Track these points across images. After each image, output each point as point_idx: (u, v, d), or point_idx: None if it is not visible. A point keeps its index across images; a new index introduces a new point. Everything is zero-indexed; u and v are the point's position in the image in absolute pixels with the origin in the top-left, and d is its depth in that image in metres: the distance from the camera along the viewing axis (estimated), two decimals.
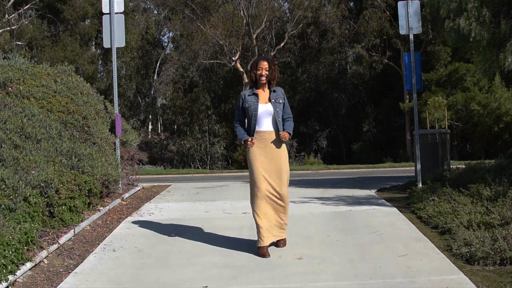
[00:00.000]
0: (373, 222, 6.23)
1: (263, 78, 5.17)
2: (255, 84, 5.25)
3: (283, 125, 5.22)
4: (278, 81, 5.44)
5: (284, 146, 5.23)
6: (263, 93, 5.23)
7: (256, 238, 5.14)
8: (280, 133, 5.14)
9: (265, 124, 5.17)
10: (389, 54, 27.89)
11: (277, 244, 5.32)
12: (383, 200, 7.77)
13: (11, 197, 5.00)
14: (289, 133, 5.20)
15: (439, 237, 5.56)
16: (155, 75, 36.92)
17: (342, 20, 28.46)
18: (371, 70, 30.44)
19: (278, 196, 5.11)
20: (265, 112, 5.17)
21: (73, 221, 5.90)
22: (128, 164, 9.58)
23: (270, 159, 5.13)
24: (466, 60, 24.62)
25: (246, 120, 5.30)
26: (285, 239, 5.37)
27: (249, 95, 5.22)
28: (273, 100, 5.20)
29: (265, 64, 5.17)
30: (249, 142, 5.14)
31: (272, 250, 5.22)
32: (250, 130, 5.18)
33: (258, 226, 5.06)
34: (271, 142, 5.16)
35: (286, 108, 5.30)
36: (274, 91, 5.25)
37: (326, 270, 4.59)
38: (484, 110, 23.53)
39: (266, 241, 5.06)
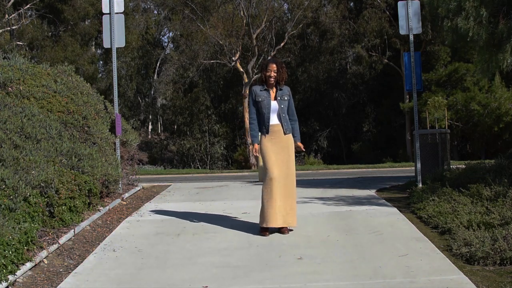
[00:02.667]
0: (373, 222, 6.23)
1: (272, 79, 5.75)
2: (265, 84, 5.82)
3: (291, 127, 5.85)
4: None
5: (290, 136, 5.80)
6: (272, 93, 5.81)
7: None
8: (297, 145, 5.84)
9: (273, 119, 5.76)
10: (389, 54, 27.89)
11: (282, 230, 5.75)
12: (383, 200, 7.77)
13: (11, 197, 5.00)
14: (300, 141, 5.93)
15: (439, 237, 5.56)
16: (155, 75, 36.92)
17: (342, 20, 28.45)
18: (371, 70, 30.43)
19: (288, 178, 5.68)
20: (273, 108, 5.76)
21: (73, 221, 5.90)
22: (128, 164, 9.57)
23: (280, 148, 5.73)
24: (466, 60, 24.62)
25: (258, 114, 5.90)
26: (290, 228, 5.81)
27: (260, 90, 5.81)
28: (278, 98, 5.79)
29: (273, 67, 5.75)
30: (255, 151, 5.82)
31: (272, 250, 5.23)
32: (264, 124, 5.76)
33: (267, 208, 5.63)
34: (279, 134, 5.75)
35: (291, 106, 5.88)
36: (281, 89, 5.84)
37: (326, 270, 4.59)
38: (484, 110, 23.53)
39: (270, 223, 5.64)
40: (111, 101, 9.38)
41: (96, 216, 6.56)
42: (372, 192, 8.66)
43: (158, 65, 36.95)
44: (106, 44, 8.84)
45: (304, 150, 5.93)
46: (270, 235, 5.72)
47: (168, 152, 33.04)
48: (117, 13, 8.72)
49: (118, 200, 7.81)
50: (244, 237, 5.70)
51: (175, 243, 5.59)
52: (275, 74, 5.72)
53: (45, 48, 27.71)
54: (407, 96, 26.21)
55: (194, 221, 6.51)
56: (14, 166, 5.59)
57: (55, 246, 5.21)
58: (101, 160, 7.31)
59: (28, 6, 27.45)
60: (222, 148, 31.06)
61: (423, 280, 4.26)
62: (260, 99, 5.75)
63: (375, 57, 28.31)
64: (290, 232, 5.82)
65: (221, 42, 25.93)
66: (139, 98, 37.20)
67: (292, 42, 30.03)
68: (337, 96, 30.97)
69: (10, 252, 4.35)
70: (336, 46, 29.97)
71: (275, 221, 5.64)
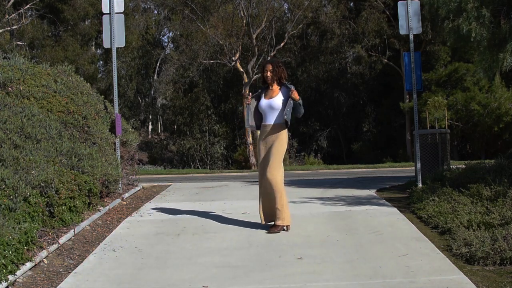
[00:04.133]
0: (373, 222, 6.23)
1: (269, 78, 5.98)
2: (266, 83, 6.07)
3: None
4: None
5: (279, 135, 5.87)
6: (270, 90, 6.00)
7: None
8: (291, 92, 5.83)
9: (268, 118, 5.93)
10: (389, 54, 27.90)
11: (273, 229, 5.83)
12: (383, 200, 7.77)
13: (11, 197, 5.00)
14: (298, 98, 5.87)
15: (439, 237, 5.56)
16: (155, 75, 36.93)
17: (341, 20, 28.45)
18: (371, 70, 30.45)
19: (263, 179, 5.83)
20: (267, 107, 5.92)
21: (73, 221, 5.90)
22: (128, 164, 9.56)
23: (267, 148, 5.89)
24: (466, 60, 24.62)
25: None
26: (281, 226, 5.81)
27: (258, 93, 6.12)
28: (274, 96, 5.92)
29: (269, 67, 5.98)
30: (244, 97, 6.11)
31: (272, 250, 5.23)
32: (260, 122, 6.05)
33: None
34: (269, 134, 5.91)
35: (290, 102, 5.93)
36: (287, 86, 5.95)
37: (326, 270, 4.59)
38: (484, 110, 23.52)
39: (262, 219, 6.02)
40: (111, 101, 9.38)
41: (96, 216, 6.56)
42: (372, 192, 8.66)
43: (158, 65, 36.94)
44: (106, 44, 8.84)
45: (298, 98, 5.81)
46: (270, 234, 5.73)
47: (168, 152, 33.03)
48: (117, 13, 8.72)
49: (118, 200, 7.82)
50: (244, 237, 5.70)
51: (175, 243, 5.59)
52: (271, 74, 5.93)
53: (45, 48, 27.71)
54: (407, 96, 26.21)
55: (194, 221, 6.51)
56: (14, 166, 5.59)
57: (55, 246, 5.21)
58: (101, 160, 7.31)
59: (28, 6, 27.44)
60: (222, 148, 31.05)
61: (423, 280, 4.27)
62: (256, 99, 6.06)
63: (375, 57, 28.31)
64: (289, 231, 5.82)
65: (221, 42, 25.92)
66: (139, 98, 37.20)
67: (292, 42, 30.02)
68: (337, 96, 30.97)
69: (10, 252, 4.35)
70: (336, 46, 29.96)
71: (262, 218, 6.02)
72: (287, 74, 6.14)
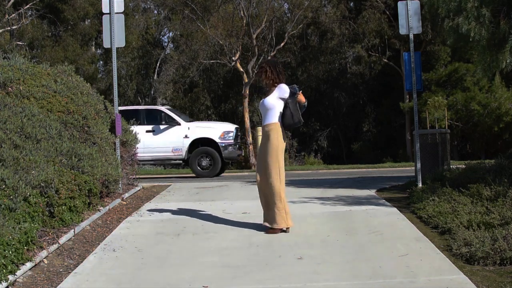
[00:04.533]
0: (373, 222, 6.23)
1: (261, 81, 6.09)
2: None
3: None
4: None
5: (270, 135, 5.74)
6: (268, 91, 5.95)
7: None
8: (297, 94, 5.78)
9: (263, 118, 5.87)
10: (388, 54, 27.89)
11: (266, 230, 5.81)
12: (383, 200, 7.77)
13: (11, 197, 5.00)
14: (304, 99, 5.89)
15: (439, 237, 5.56)
16: (155, 75, 36.88)
17: (342, 20, 28.45)
18: (371, 70, 30.45)
19: (264, 183, 5.74)
20: (261, 106, 5.92)
21: (73, 221, 5.90)
22: (128, 164, 9.56)
23: (262, 149, 5.85)
24: (466, 60, 24.60)
25: None
26: (279, 228, 5.75)
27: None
28: (268, 97, 5.82)
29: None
30: None
31: (272, 250, 5.23)
32: None
33: None
34: (264, 135, 5.84)
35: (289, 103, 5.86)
36: (282, 87, 5.82)
37: (326, 270, 4.59)
38: (484, 110, 23.51)
39: (264, 219, 5.91)
40: (111, 101, 9.38)
41: (96, 216, 6.56)
42: (372, 192, 8.65)
43: (158, 65, 36.89)
44: (106, 44, 8.84)
45: (304, 101, 5.82)
46: (270, 234, 5.73)
47: None
48: (117, 13, 8.71)
49: (118, 200, 7.81)
50: (244, 237, 5.70)
51: (175, 243, 5.59)
52: (258, 77, 6.08)
53: (45, 48, 27.70)
54: (407, 96, 26.20)
55: (194, 221, 6.51)
56: (14, 166, 5.59)
57: (55, 246, 5.21)
58: (101, 160, 7.31)
59: (28, 6, 27.43)
60: None
61: (423, 280, 4.27)
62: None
63: (375, 57, 28.31)
64: (289, 231, 5.81)
65: (221, 42, 25.91)
66: (139, 98, 37.14)
67: (292, 42, 30.01)
68: (337, 96, 30.97)
69: (10, 252, 4.35)
70: (336, 46, 29.96)
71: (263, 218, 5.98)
72: (279, 73, 5.87)
